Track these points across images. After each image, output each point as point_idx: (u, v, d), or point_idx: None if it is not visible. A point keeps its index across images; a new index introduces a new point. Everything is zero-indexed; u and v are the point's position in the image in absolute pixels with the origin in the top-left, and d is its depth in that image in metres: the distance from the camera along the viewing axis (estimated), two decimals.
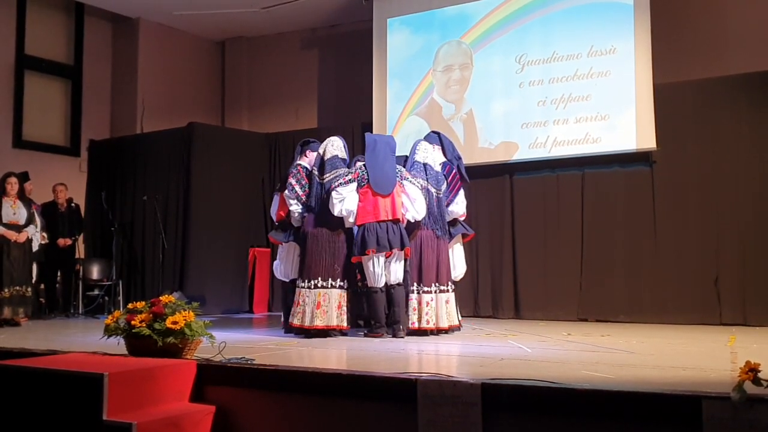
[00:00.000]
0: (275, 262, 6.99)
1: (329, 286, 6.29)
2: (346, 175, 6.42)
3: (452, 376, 3.50)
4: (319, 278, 6.29)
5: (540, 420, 3.22)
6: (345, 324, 6.30)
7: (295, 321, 6.29)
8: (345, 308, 6.30)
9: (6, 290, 7.73)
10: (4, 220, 7.88)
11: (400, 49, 10.04)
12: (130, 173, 10.92)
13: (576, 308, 8.54)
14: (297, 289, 6.40)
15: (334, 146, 6.61)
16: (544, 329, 7.19)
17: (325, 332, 6.22)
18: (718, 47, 8.79)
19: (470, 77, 9.48)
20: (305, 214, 6.52)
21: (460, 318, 6.85)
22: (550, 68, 8.95)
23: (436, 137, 7.04)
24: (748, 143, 7.99)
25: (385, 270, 6.31)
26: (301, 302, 6.29)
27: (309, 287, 6.30)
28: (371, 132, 9.59)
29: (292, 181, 6.62)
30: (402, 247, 6.29)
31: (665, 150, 8.27)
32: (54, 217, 9.43)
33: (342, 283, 6.34)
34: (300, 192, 6.56)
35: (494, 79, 9.31)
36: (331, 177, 6.41)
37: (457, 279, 6.95)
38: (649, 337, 6.31)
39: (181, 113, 11.48)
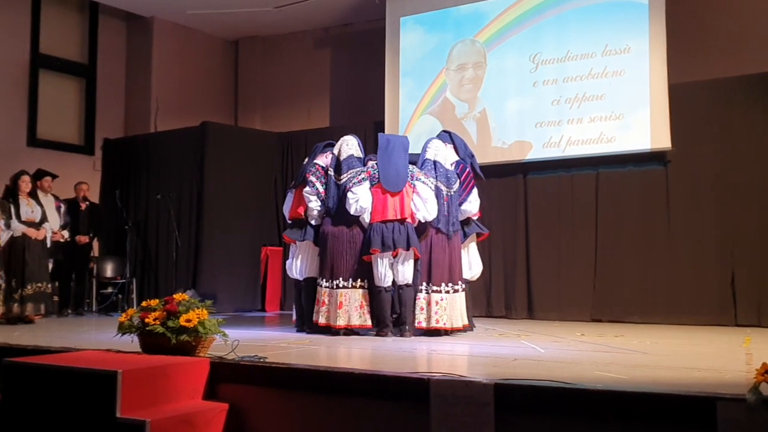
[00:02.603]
0: (288, 261, 6.99)
1: (350, 286, 6.32)
2: (360, 174, 6.45)
3: (465, 376, 3.48)
4: (341, 278, 6.33)
5: (553, 420, 3.21)
6: (368, 323, 6.31)
7: (321, 320, 6.36)
8: (367, 308, 6.31)
9: (29, 287, 7.82)
10: (23, 218, 7.94)
11: (413, 48, 10.03)
12: (143, 171, 10.98)
13: (589, 308, 8.51)
14: (319, 289, 6.43)
15: (349, 145, 6.64)
16: (558, 329, 7.17)
17: (348, 331, 6.26)
18: (733, 47, 8.72)
19: (484, 76, 9.46)
20: (324, 214, 6.55)
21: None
22: (565, 67, 8.92)
23: (447, 136, 7.02)
24: (763, 143, 7.93)
25: (392, 270, 6.32)
26: (326, 302, 6.34)
27: (331, 287, 6.33)
28: (383, 131, 9.61)
29: (312, 178, 6.65)
30: (408, 247, 6.27)
31: (680, 150, 8.22)
32: (74, 214, 9.48)
33: (363, 283, 6.35)
34: (321, 189, 6.59)
35: (508, 78, 9.29)
36: (348, 177, 6.44)
37: (474, 278, 6.93)
38: (663, 338, 6.28)
39: (194, 112, 11.52)
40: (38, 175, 8.78)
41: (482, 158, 8.26)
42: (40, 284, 7.94)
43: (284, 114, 12.08)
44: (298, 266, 6.77)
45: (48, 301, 8.10)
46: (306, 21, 11.69)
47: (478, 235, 7.00)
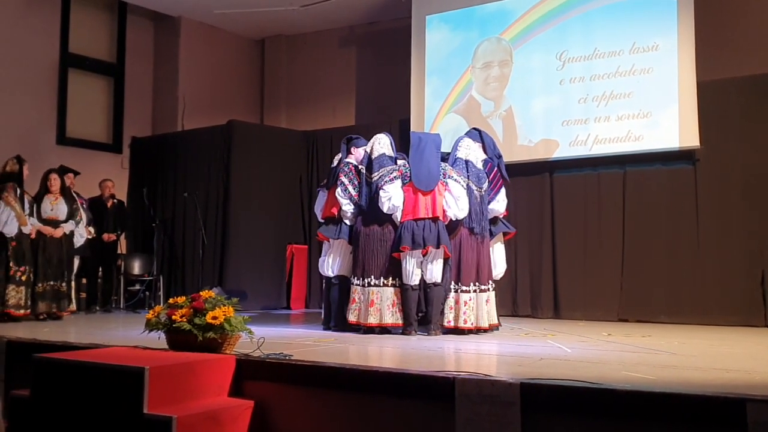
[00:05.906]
0: (321, 258, 6.99)
1: (381, 284, 6.33)
2: (392, 173, 6.45)
3: (491, 375, 3.47)
4: (372, 276, 6.35)
5: (579, 421, 3.18)
6: (401, 321, 6.32)
7: (352, 318, 6.40)
8: (399, 306, 6.32)
9: (40, 285, 7.79)
10: (43, 216, 8.00)
11: (439, 47, 10.00)
12: (170, 170, 11.06)
13: (616, 308, 8.44)
14: (352, 287, 6.46)
15: (382, 144, 6.64)
16: (584, 329, 7.12)
17: (380, 329, 6.27)
18: (763, 44, 8.60)
19: (510, 74, 9.41)
20: (358, 214, 6.56)
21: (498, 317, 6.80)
22: (592, 65, 8.85)
23: (477, 134, 6.99)
24: None
25: (421, 268, 6.31)
26: (357, 300, 6.37)
27: (362, 285, 6.36)
28: (409, 130, 9.59)
29: (344, 180, 6.64)
30: (438, 245, 6.26)
31: (708, 148, 8.13)
32: (100, 212, 9.57)
33: (394, 281, 6.36)
34: (353, 192, 6.60)
35: (534, 76, 9.23)
36: (379, 175, 6.44)
37: (498, 278, 6.90)
38: (691, 339, 6.21)
39: (221, 111, 11.60)
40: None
41: (508, 157, 8.22)
42: (53, 282, 7.89)
43: (309, 112, 12.12)
44: (330, 264, 6.77)
45: (64, 299, 8.00)
46: (331, 20, 11.72)
47: (505, 234, 6.98)
